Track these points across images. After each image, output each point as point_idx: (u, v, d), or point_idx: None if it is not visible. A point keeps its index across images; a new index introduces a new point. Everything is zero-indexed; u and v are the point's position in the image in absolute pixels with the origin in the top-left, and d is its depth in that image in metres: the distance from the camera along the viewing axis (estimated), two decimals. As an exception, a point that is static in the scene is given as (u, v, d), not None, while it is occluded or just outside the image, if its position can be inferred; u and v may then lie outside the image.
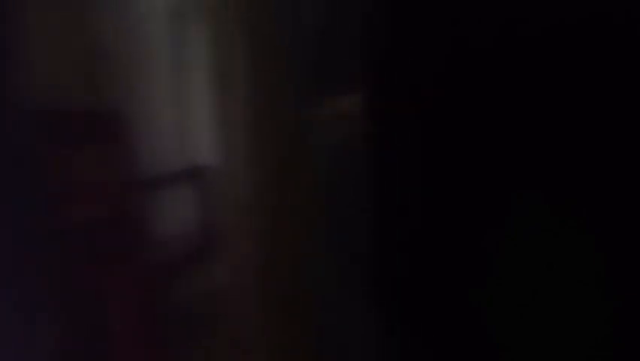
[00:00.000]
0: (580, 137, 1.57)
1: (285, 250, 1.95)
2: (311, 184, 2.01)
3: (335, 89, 2.02)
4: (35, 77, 1.96)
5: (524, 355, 1.71)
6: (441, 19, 1.74)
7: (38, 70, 1.97)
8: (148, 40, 2.16)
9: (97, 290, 2.15)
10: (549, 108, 1.60)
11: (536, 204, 1.64)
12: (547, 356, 1.69)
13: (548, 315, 1.67)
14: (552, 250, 1.65)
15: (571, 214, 1.60)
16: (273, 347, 2.08)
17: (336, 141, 2.11)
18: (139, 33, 2.17)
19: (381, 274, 1.98)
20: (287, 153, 1.94)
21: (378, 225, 1.99)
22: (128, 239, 2.16)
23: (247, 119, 2.19)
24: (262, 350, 2.13)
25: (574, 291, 1.67)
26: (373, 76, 1.89)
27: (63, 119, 2.10)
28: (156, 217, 2.26)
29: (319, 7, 1.96)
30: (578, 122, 1.58)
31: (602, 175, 1.57)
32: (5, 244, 1.97)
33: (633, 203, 1.54)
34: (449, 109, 1.71)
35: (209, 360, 2.19)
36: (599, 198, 1.56)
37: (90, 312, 2.17)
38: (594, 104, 1.54)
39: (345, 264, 2.06)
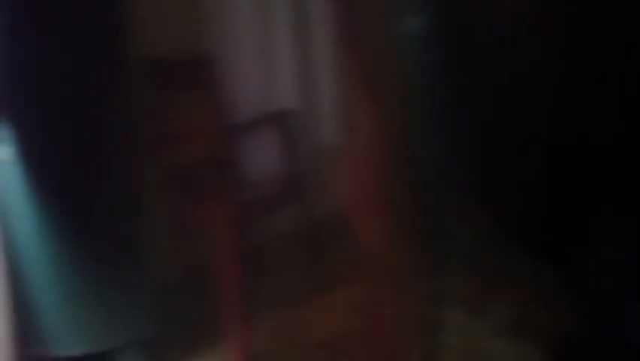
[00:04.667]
0: None
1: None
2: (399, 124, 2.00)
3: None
4: (138, 29, 2.01)
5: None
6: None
7: (141, 22, 2.01)
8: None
9: (196, 223, 2.20)
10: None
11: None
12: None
13: None
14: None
15: None
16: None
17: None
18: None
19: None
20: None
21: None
22: (224, 177, 2.21)
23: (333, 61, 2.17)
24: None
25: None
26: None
27: (164, 67, 2.15)
28: (252, 157, 2.29)
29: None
30: None
31: None
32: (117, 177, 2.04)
33: None
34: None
35: (296, 285, 2.24)
36: None
37: (190, 242, 2.23)
38: None
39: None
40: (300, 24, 2.39)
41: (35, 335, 2.09)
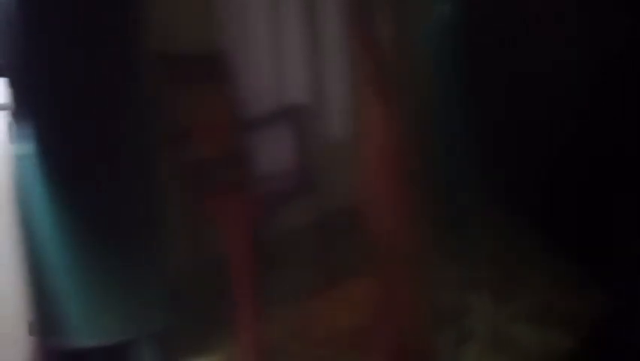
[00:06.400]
0: None
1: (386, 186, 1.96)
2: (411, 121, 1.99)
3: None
4: (152, 25, 2.03)
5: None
6: None
7: (155, 18, 2.03)
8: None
9: (209, 218, 2.22)
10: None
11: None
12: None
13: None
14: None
15: None
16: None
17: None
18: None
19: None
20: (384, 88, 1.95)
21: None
22: (237, 173, 2.22)
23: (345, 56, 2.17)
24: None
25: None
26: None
27: (178, 63, 2.16)
28: (265, 152, 2.30)
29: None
30: None
31: None
32: (132, 173, 2.07)
33: None
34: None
35: (304, 280, 2.25)
36: None
37: (205, 236, 2.25)
38: None
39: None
40: (313, 18, 2.39)
41: (51, 326, 2.13)
